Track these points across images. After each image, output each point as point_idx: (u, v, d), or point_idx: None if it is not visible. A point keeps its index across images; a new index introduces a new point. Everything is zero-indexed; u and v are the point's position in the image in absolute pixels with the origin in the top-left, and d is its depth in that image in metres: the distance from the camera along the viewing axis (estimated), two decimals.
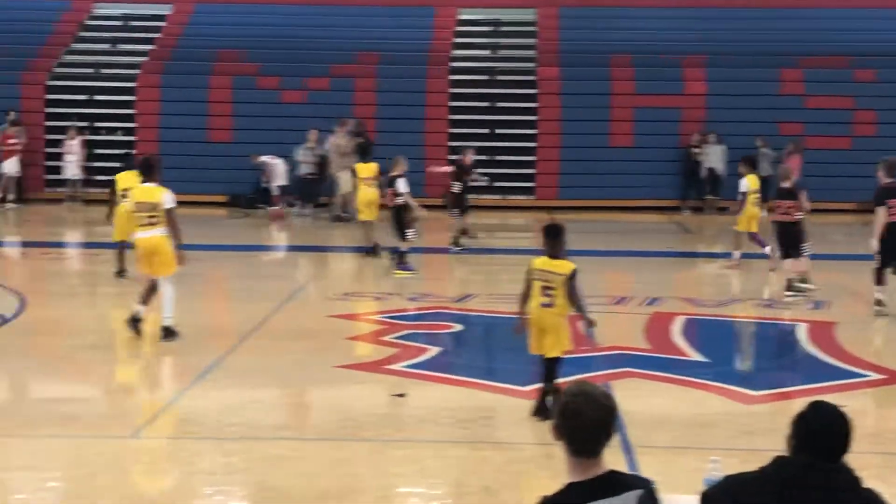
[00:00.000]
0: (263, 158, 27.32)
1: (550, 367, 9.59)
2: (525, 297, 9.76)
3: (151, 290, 12.44)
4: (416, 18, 31.82)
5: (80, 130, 27.91)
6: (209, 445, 8.73)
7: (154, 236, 12.31)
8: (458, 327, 13.72)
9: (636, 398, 10.43)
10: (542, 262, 9.68)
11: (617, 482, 4.03)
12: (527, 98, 29.17)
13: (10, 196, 26.90)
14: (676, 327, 13.71)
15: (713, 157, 27.51)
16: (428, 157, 28.00)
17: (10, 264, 18.97)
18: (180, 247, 12.23)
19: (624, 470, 4.25)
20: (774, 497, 4.10)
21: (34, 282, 17.44)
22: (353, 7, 31.83)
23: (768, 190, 23.99)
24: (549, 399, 9.15)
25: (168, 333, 12.34)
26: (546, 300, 9.54)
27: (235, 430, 9.12)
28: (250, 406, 9.91)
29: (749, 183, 18.03)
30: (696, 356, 12.41)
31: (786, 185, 15.73)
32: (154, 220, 12.34)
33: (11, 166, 27.05)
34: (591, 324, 9.71)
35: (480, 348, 13.32)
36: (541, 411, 9.26)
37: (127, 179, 15.87)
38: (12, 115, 27.46)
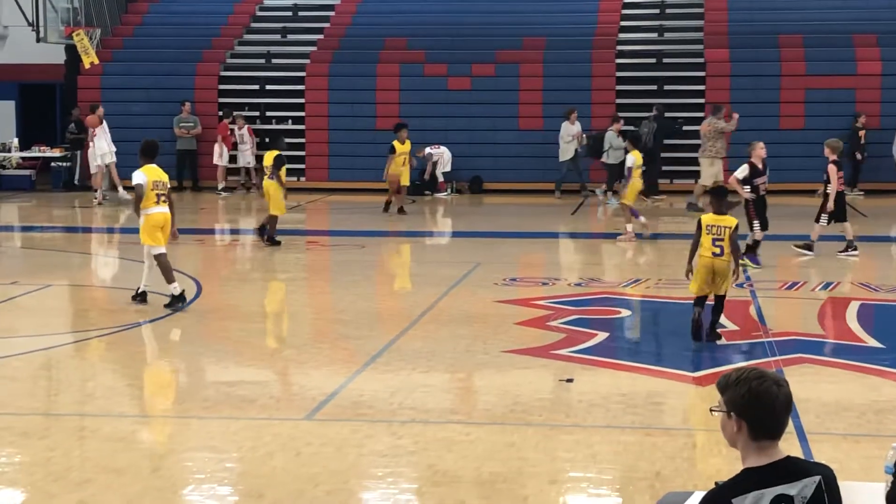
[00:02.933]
0: (429, 150, 27.60)
1: (721, 303, 11.82)
2: (695, 248, 11.83)
3: (166, 265, 13.53)
4: (582, 2, 31.63)
5: (248, 119, 28.59)
6: (380, 428, 8.86)
7: (166, 212, 13.64)
8: (625, 312, 13.63)
9: (810, 384, 10.23)
10: (710, 218, 11.75)
11: (795, 468, 3.98)
12: (694, 81, 28.75)
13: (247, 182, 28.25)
14: (852, 312, 13.38)
15: None
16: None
17: (186, 251, 19.55)
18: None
19: (800, 456, 4.19)
20: None
21: (209, 268, 17.95)
22: None
23: None
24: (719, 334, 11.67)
25: (143, 298, 13.61)
26: (716, 250, 11.55)
27: (406, 413, 9.24)
28: (420, 390, 10.02)
29: (635, 159, 19.19)
30: (872, 342, 12.09)
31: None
32: (164, 197, 13.62)
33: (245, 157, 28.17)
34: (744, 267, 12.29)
35: (648, 333, 13.21)
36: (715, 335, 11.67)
37: (268, 157, 19.07)
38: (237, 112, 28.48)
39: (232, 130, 28.27)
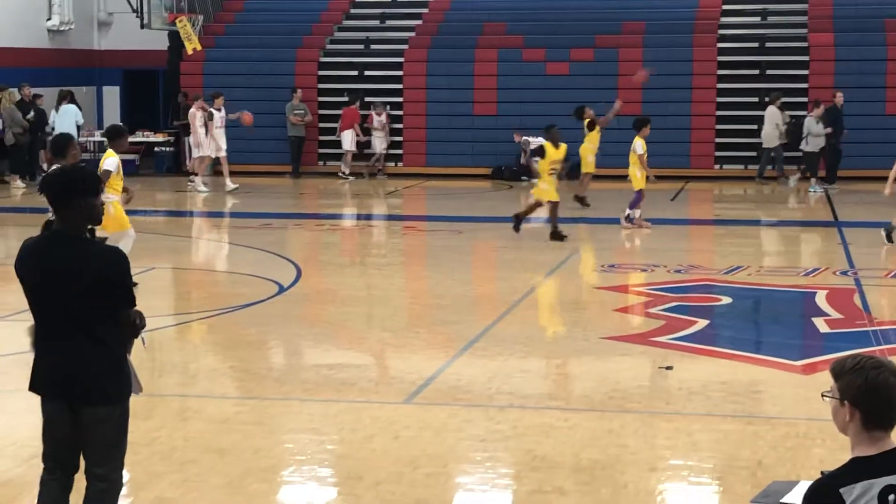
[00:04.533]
0: (525, 137, 27.53)
1: None
2: None
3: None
4: None
5: (385, 106, 28.66)
6: (478, 413, 8.88)
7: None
8: (726, 300, 13.48)
9: None
10: None
11: None
12: (798, 65, 28.29)
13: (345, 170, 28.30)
14: None
15: None
16: (694, 128, 27.62)
17: (287, 236, 19.74)
18: None
19: None
20: None
21: (309, 252, 18.10)
22: None
23: None
24: None
25: None
26: None
27: (504, 399, 9.24)
28: (518, 375, 10.02)
29: (642, 143, 19.22)
30: None
31: None
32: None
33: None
34: None
35: (749, 321, 13.05)
36: None
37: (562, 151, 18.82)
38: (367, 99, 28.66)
39: (365, 117, 28.33)
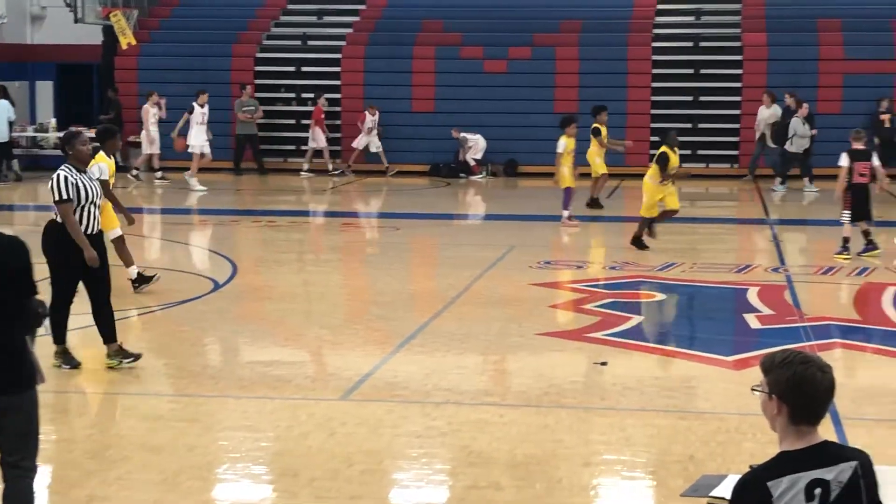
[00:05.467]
0: (464, 134, 27.62)
1: None
2: None
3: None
4: None
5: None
6: (414, 409, 8.91)
7: None
8: (660, 296, 13.62)
9: (846, 370, 10.21)
10: None
11: (832, 453, 3.98)
12: (731, 65, 28.60)
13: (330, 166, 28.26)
14: (888, 297, 13.31)
15: None
16: (629, 126, 27.82)
17: (224, 232, 19.66)
18: None
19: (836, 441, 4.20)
20: None
21: (246, 249, 18.03)
22: None
23: None
24: None
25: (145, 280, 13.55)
26: None
27: (440, 395, 9.27)
28: (454, 371, 10.06)
29: (566, 143, 19.09)
30: None
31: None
32: None
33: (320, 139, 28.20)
34: None
35: (682, 317, 13.18)
36: None
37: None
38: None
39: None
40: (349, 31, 30.69)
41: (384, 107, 28.72)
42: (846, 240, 15.82)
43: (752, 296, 13.31)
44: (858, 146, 16.02)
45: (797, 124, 24.83)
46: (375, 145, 28.32)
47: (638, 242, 16.65)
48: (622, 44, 29.12)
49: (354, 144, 28.23)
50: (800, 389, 3.96)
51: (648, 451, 8.04)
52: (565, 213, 19.23)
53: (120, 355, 10.05)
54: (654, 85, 28.61)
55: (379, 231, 19.54)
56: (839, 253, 15.79)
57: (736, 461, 7.51)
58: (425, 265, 17.07)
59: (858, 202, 15.76)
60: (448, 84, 28.84)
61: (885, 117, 26.28)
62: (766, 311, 12.57)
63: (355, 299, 14.24)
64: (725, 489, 4.47)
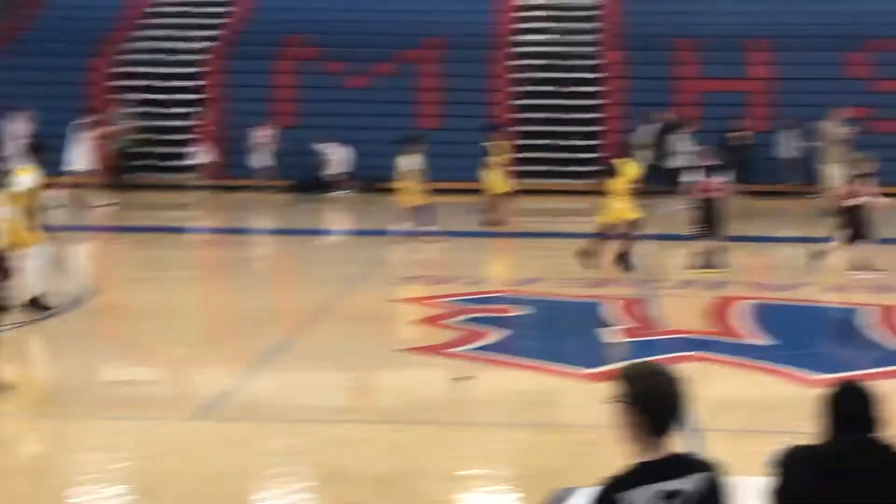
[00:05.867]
0: (320, 146, 27.54)
1: None
2: None
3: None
4: (480, 3, 31.77)
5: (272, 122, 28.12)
6: (273, 427, 8.81)
7: None
8: (520, 310, 13.71)
9: (702, 381, 10.37)
10: None
11: (685, 463, 4.04)
12: (591, 82, 29.04)
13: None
14: (742, 310, 13.62)
15: (787, 141, 27.23)
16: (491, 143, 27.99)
17: (82, 249, 19.25)
18: None
19: (689, 452, 4.26)
20: (825, 472, 4.15)
21: (104, 266, 17.67)
22: None
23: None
24: None
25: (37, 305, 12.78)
26: None
27: (300, 413, 9.20)
28: (314, 388, 9.99)
29: (411, 163, 18.97)
30: (761, 339, 12.32)
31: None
32: None
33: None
34: None
35: (543, 331, 13.29)
36: None
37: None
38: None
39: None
40: (211, 44, 30.37)
41: (246, 122, 28.46)
42: (703, 254, 16.14)
43: (613, 309, 13.49)
44: (709, 162, 16.39)
45: (679, 140, 25.21)
46: (261, 161, 27.98)
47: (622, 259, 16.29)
48: (483, 60, 29.36)
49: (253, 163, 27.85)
50: (653, 401, 4.01)
51: (510, 465, 8.08)
52: (423, 229, 19.21)
53: None
54: (516, 102, 28.89)
55: (240, 247, 19.33)
56: (698, 267, 16.10)
57: (593, 474, 7.56)
58: (286, 282, 16.94)
59: (711, 217, 16.10)
60: (310, 99, 28.72)
61: (741, 135, 26.93)
62: (626, 323, 12.75)
63: (215, 316, 14.06)
64: (578, 502, 4.50)
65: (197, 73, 29.37)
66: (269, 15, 31.36)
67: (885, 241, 16.27)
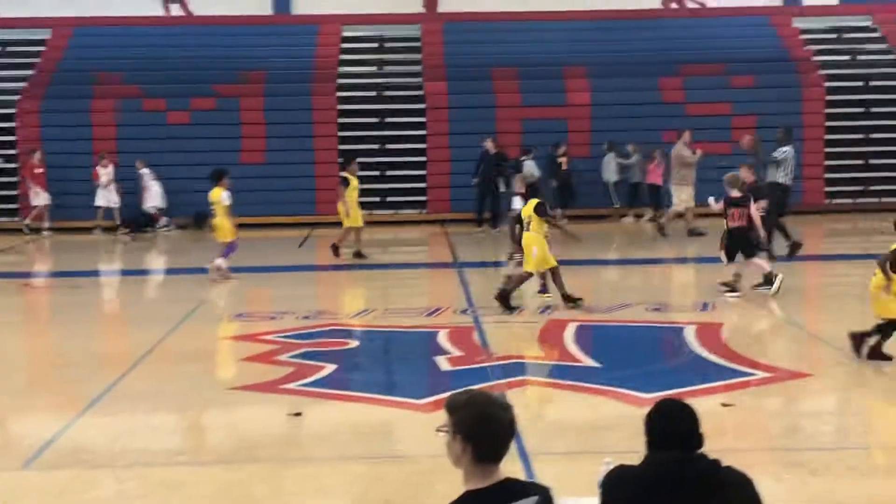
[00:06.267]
0: (144, 170, 27.18)
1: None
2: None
3: None
4: (301, 36, 31.79)
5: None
6: (102, 473, 8.59)
7: None
8: (354, 343, 13.69)
9: (533, 406, 10.52)
10: None
11: (514, 489, 4.08)
12: (415, 113, 29.28)
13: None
14: (569, 334, 13.84)
15: (608, 166, 27.89)
16: (318, 175, 28.00)
17: None
18: None
19: (521, 478, 4.31)
20: (648, 489, 4.24)
21: None
22: (235, 27, 31.73)
23: (637, 196, 24.71)
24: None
25: None
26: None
27: (129, 457, 8.98)
28: (144, 432, 9.78)
29: (220, 197, 18.68)
30: (589, 362, 12.55)
31: (736, 193, 16.14)
32: None
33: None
34: None
35: (376, 363, 13.29)
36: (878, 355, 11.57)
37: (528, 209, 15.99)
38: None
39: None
40: (24, 84, 29.63)
41: (63, 162, 27.85)
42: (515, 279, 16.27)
43: (443, 338, 13.56)
44: (522, 191, 16.67)
45: (531, 167, 25.51)
46: (112, 200, 27.29)
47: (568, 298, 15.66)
48: (307, 93, 29.33)
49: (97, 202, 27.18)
50: (482, 428, 4.05)
51: (345, 499, 8.04)
52: (218, 262, 18.78)
53: None
54: (341, 134, 28.93)
55: (62, 290, 18.85)
56: (540, 292, 16.34)
57: (432, 501, 7.60)
58: (112, 323, 16.58)
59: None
60: (130, 137, 28.27)
61: (563, 160, 27.46)
62: (456, 352, 12.83)
63: (37, 362, 13.67)
64: None
65: (10, 114, 28.62)
66: (82, 52, 30.78)
67: (703, 260, 16.71)
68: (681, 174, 24.21)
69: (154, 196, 27.44)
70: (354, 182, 21.23)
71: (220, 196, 18.73)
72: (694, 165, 24.31)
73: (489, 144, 26.49)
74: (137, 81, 29.44)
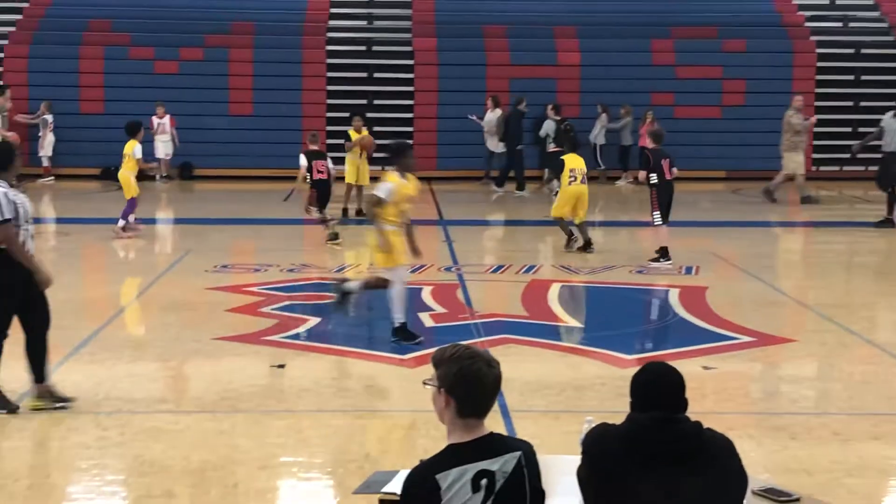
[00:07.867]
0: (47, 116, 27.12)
1: None
2: None
3: None
4: None
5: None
6: (84, 420, 8.61)
7: None
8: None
9: (514, 364, 10.54)
10: None
11: (498, 444, 4.11)
12: (404, 69, 29.17)
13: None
14: (553, 294, 13.88)
15: (598, 128, 27.84)
16: (305, 129, 27.90)
17: None
18: None
19: (503, 433, 4.33)
20: (629, 449, 4.27)
21: None
22: None
23: (629, 159, 24.57)
24: None
25: None
26: None
27: (111, 404, 9.00)
28: (127, 379, 9.79)
29: (133, 150, 18.21)
30: (572, 322, 12.59)
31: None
32: None
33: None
34: None
35: (360, 318, 13.29)
36: None
37: None
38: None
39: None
40: (11, 29, 29.42)
41: (53, 108, 27.70)
42: None
43: (427, 295, 13.59)
44: (314, 147, 16.89)
45: (550, 126, 25.40)
46: (165, 151, 27.22)
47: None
48: (296, 46, 29.19)
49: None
50: (467, 383, 4.07)
51: (325, 452, 8.07)
52: (131, 219, 18.34)
53: (48, 398, 8.97)
54: (329, 88, 28.82)
55: (48, 237, 18.79)
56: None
57: (411, 457, 7.63)
58: (97, 271, 16.55)
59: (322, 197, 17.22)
60: (118, 85, 28.12)
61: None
62: (440, 309, 12.86)
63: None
64: (396, 485, 4.53)
65: None
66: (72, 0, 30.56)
67: (688, 223, 16.71)
68: (792, 141, 23.98)
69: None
70: (356, 137, 21.10)
71: (133, 149, 18.22)
72: (804, 132, 24.15)
73: (550, 112, 25.98)
74: (126, 30, 29.25)
